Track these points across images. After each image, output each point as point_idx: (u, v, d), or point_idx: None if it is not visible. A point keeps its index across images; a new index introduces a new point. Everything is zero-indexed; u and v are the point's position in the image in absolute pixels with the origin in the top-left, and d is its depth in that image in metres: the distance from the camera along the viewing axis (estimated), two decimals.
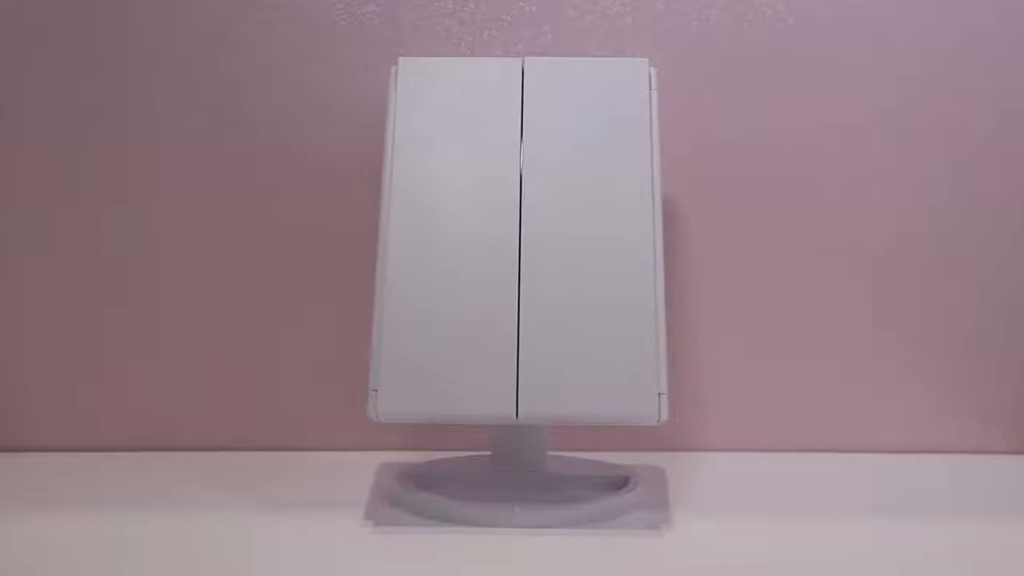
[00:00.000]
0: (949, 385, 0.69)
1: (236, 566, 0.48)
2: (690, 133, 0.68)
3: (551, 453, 0.58)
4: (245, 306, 0.68)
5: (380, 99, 0.57)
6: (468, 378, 0.52)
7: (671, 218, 0.67)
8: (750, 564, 0.49)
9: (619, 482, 0.56)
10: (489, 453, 0.58)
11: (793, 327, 0.68)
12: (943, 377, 0.69)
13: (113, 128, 0.68)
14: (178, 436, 0.68)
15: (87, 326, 0.68)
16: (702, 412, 0.68)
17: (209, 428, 0.68)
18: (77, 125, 0.68)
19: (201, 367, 0.68)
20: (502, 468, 0.57)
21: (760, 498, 0.58)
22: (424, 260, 0.54)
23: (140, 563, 0.48)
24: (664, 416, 0.52)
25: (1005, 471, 0.65)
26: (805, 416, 0.68)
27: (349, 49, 0.68)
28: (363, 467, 0.63)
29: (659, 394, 0.52)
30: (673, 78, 0.67)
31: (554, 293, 0.53)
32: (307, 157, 0.68)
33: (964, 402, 0.69)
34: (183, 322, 0.68)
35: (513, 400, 0.52)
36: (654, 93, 0.57)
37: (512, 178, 0.55)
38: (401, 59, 0.58)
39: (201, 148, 0.68)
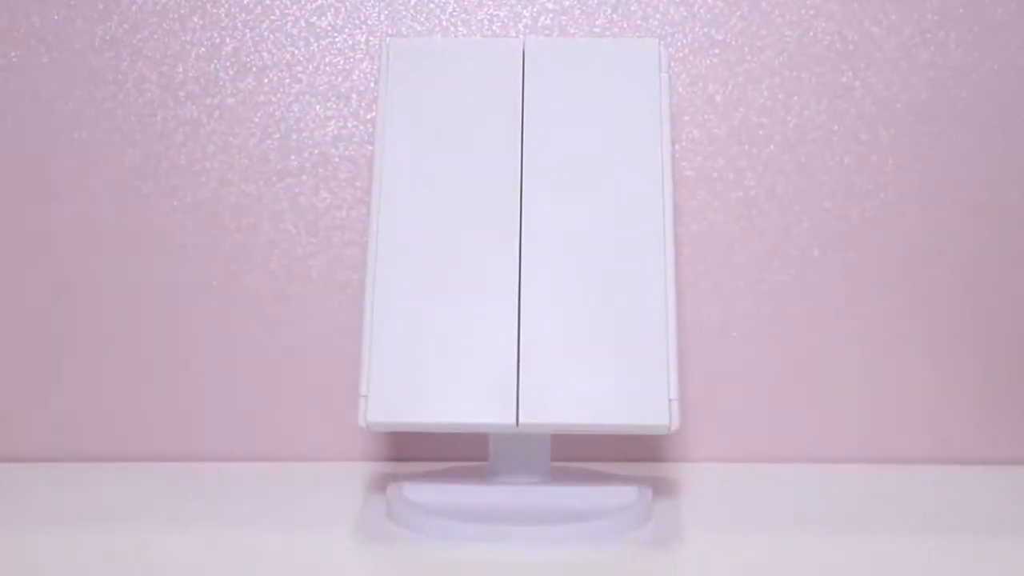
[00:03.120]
0: (977, 393, 0.66)
1: None
2: (703, 120, 0.66)
3: (553, 463, 0.56)
4: (230, 305, 0.66)
5: (372, 82, 0.57)
6: (465, 383, 0.50)
7: (683, 211, 0.65)
8: None
9: (626, 494, 0.54)
10: (487, 463, 0.56)
11: (813, 330, 0.66)
12: (971, 384, 0.66)
13: (97, 122, 0.65)
14: (159, 446, 0.66)
15: (68, 330, 0.65)
16: (715, 420, 0.66)
17: (192, 437, 0.66)
18: (54, 109, 0.65)
19: (186, 372, 0.66)
20: (501, 479, 0.55)
21: (779, 511, 0.56)
22: (417, 256, 0.52)
23: None
24: (675, 424, 0.50)
25: None
26: (826, 425, 0.66)
27: (337, 28, 0.65)
28: (353, 478, 0.61)
29: (670, 400, 0.50)
30: (686, 60, 0.65)
31: (558, 292, 0.51)
32: (295, 144, 0.66)
33: (995, 410, 0.66)
34: (168, 323, 0.66)
35: (513, 406, 0.50)
36: (665, 76, 0.55)
37: (512, 168, 0.53)
38: (391, 39, 0.56)
39: (183, 137, 0.65)
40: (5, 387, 0.65)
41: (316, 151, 0.66)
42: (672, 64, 0.66)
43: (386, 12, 0.66)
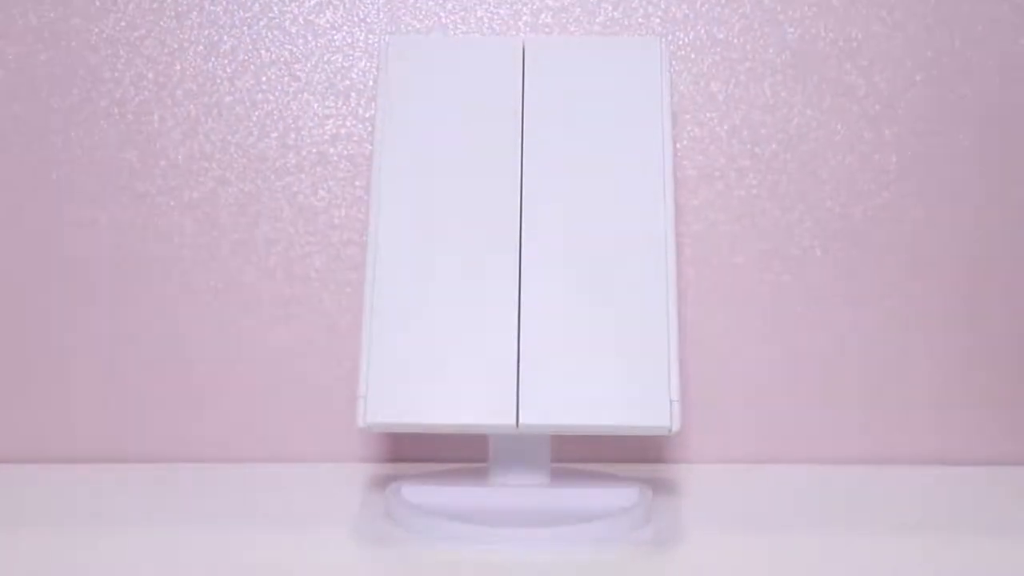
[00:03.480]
0: (979, 393, 0.66)
1: None
2: (705, 118, 0.65)
3: (553, 464, 0.55)
4: (229, 305, 0.65)
5: (371, 80, 0.56)
6: (465, 383, 0.49)
7: (684, 210, 0.65)
8: None
9: (627, 495, 0.53)
10: (487, 464, 0.55)
11: (815, 330, 0.66)
12: (973, 384, 0.66)
13: (94, 120, 0.65)
14: (157, 446, 0.65)
15: (66, 329, 0.65)
16: (717, 421, 0.66)
17: (190, 438, 0.65)
18: (50, 107, 0.65)
19: (184, 372, 0.65)
20: (501, 480, 0.54)
21: (780, 513, 0.56)
22: (417, 256, 0.51)
23: None
24: (676, 425, 0.49)
25: None
26: (827, 426, 0.66)
27: (336, 25, 0.65)
28: (352, 479, 0.60)
29: (671, 401, 0.49)
30: (687, 58, 0.65)
31: (558, 292, 0.50)
32: (294, 143, 0.65)
33: (997, 410, 0.66)
34: (166, 323, 0.65)
35: (513, 407, 0.49)
36: (666, 74, 0.54)
37: (512, 167, 0.52)
38: (390, 36, 0.55)
39: (181, 136, 0.65)
40: (4, 387, 0.65)
41: (315, 150, 0.65)
42: (673, 62, 0.65)
43: (385, 10, 0.65)
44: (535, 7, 0.65)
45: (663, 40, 0.55)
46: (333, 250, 0.65)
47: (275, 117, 0.65)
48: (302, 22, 0.65)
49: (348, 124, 0.65)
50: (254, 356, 0.65)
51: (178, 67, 0.65)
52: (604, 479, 0.57)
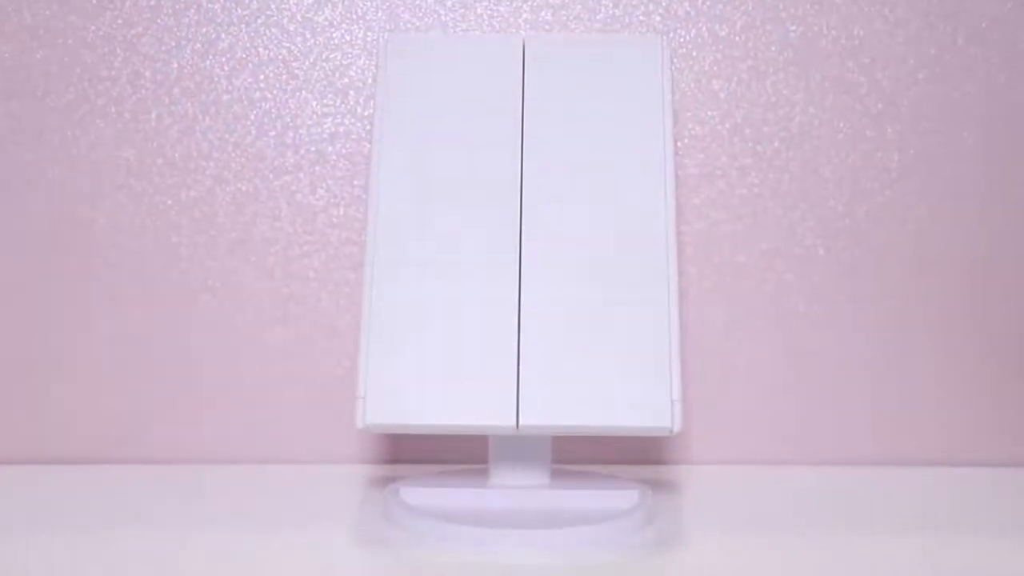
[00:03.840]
0: (983, 394, 0.66)
1: None
2: (706, 117, 0.65)
3: (554, 465, 0.55)
4: (226, 305, 0.65)
5: (370, 78, 0.56)
6: (464, 384, 0.49)
7: (685, 209, 0.65)
8: None
9: (628, 497, 0.53)
10: (487, 465, 0.55)
11: (817, 330, 0.65)
12: (977, 385, 0.66)
13: (91, 119, 0.64)
14: (155, 447, 0.65)
15: (65, 329, 0.65)
16: (718, 422, 0.65)
17: (188, 439, 0.65)
18: (47, 105, 0.64)
19: (182, 372, 0.65)
20: (501, 481, 0.54)
21: (782, 514, 0.56)
22: (416, 255, 0.51)
23: None
24: (678, 425, 0.49)
25: None
26: (829, 427, 0.66)
27: (334, 23, 0.65)
28: (351, 481, 0.60)
29: (672, 401, 0.49)
30: (688, 55, 0.64)
31: (559, 292, 0.50)
32: (292, 141, 0.65)
33: (1001, 411, 0.66)
34: (163, 323, 0.65)
35: (513, 408, 0.49)
36: (667, 72, 0.54)
37: (512, 166, 0.52)
38: (389, 34, 0.55)
39: (178, 134, 0.65)
40: (4, 387, 0.65)
41: (313, 148, 0.65)
42: (675, 60, 0.65)
43: (384, 7, 0.65)
44: (535, 4, 0.65)
45: (664, 38, 0.55)
46: (332, 249, 0.65)
47: (273, 115, 0.65)
48: (300, 19, 0.65)
49: (347, 122, 0.65)
50: (253, 356, 0.65)
51: (175, 65, 0.65)
52: (604, 480, 0.57)
